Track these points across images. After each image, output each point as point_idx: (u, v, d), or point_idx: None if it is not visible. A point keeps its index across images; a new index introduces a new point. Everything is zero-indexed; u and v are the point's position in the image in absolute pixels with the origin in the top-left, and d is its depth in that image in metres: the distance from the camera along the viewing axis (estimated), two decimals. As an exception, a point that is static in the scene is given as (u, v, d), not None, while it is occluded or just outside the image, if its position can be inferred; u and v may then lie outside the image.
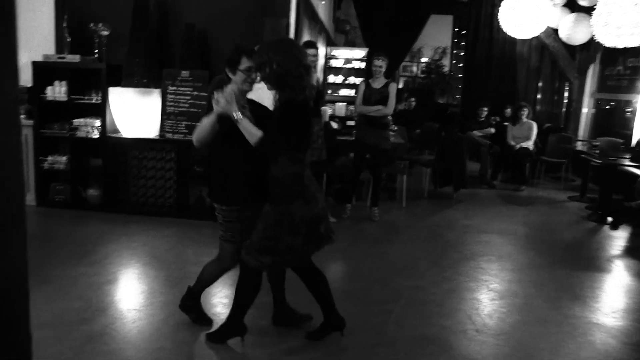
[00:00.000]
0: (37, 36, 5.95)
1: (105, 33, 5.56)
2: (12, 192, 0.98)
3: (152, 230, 5.26)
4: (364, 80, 6.15)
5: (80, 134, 5.68)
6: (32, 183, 5.88)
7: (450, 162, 7.55)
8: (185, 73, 5.49)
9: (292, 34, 5.70)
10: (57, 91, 5.66)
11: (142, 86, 5.56)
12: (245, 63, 2.91)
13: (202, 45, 5.76)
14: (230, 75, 2.97)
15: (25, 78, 5.60)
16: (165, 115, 5.58)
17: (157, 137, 5.64)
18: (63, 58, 5.56)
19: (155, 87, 5.59)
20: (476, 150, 9.49)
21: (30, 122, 5.72)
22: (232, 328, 3.15)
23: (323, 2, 9.52)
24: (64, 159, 5.81)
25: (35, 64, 5.62)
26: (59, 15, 5.76)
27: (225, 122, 2.79)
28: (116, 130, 5.72)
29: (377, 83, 5.90)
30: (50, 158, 5.81)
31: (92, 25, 5.52)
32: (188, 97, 5.52)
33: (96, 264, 4.38)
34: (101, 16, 5.64)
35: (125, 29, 5.51)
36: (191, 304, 3.38)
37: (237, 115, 2.74)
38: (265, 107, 3.07)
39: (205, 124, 2.87)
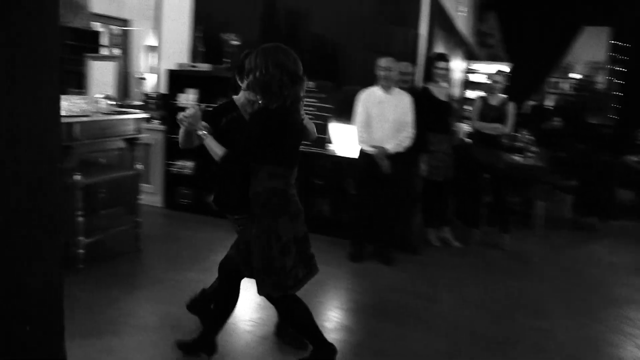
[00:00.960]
0: (175, 45, 6.19)
1: (236, 43, 5.63)
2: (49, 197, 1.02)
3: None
4: (480, 97, 5.68)
5: (207, 140, 5.79)
6: (161, 185, 6.11)
7: (598, 189, 6.75)
8: (311, 84, 5.38)
9: (423, 46, 5.38)
10: (188, 98, 5.82)
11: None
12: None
13: (331, 55, 5.63)
14: (239, 82, 2.92)
15: (162, 85, 5.85)
16: (287, 125, 5.52)
17: (279, 148, 5.58)
18: (195, 67, 5.71)
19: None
20: (630, 177, 8.44)
21: (163, 127, 5.95)
22: (202, 344, 3.00)
23: (463, 14, 9.05)
24: (190, 164, 5.96)
25: (169, 72, 5.84)
26: (194, 25, 5.93)
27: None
28: (240, 139, 5.76)
29: (495, 100, 5.42)
30: (178, 163, 6.00)
31: (223, 35, 5.62)
32: (312, 108, 5.40)
33: (207, 271, 4.37)
34: (232, 26, 5.73)
35: (254, 38, 5.54)
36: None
37: (202, 132, 2.72)
38: None
39: (181, 133, 2.87)
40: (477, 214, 5.81)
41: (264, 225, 2.66)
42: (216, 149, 2.69)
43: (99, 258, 4.39)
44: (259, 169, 2.67)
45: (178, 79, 5.85)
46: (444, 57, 5.23)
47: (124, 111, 4.91)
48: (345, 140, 5.28)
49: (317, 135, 3.04)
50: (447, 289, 4.36)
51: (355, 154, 4.94)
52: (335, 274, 4.55)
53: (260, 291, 2.76)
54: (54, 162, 1.05)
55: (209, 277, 4.25)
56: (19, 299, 1.06)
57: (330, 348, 2.89)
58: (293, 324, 2.98)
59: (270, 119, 2.59)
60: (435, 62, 5.22)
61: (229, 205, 3.01)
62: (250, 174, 2.71)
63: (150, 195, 6.21)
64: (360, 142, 4.71)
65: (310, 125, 2.87)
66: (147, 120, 6.17)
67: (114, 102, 4.88)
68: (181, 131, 2.86)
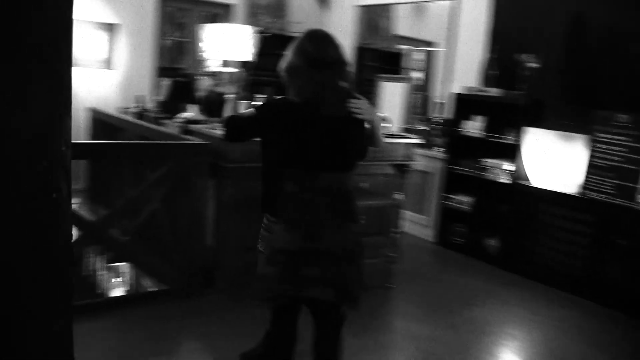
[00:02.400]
0: (467, 68, 5.63)
1: (533, 65, 4.79)
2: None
3: (545, 307, 4.24)
4: None
5: (489, 175, 5.08)
6: (435, 219, 5.60)
7: None
8: (622, 117, 4.23)
9: None
10: (473, 126, 5.20)
11: (565, 129, 4.56)
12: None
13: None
14: None
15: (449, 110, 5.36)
16: (590, 168, 4.45)
17: (576, 194, 4.54)
18: (484, 91, 5.05)
19: (581, 132, 4.51)
20: None
21: (444, 155, 5.45)
22: None
23: None
24: (468, 200, 5.32)
25: (457, 96, 5.31)
26: (489, 46, 5.26)
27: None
28: (527, 177, 4.89)
29: None
30: (455, 197, 5.41)
31: (519, 56, 4.84)
32: (623, 149, 4.25)
33: (451, 329, 3.71)
34: (531, 46, 4.90)
35: (555, 59, 4.62)
36: None
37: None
38: None
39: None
40: None
41: (266, 227, 2.42)
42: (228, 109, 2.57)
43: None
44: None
45: (465, 105, 5.27)
46: None
47: (396, 135, 4.57)
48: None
49: (383, 141, 2.54)
50: None
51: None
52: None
53: None
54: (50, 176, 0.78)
55: (450, 335, 3.61)
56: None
57: None
58: (264, 341, 2.74)
59: (270, 111, 2.40)
60: None
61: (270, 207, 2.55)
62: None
63: (423, 228, 5.76)
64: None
65: (377, 125, 2.45)
66: (429, 147, 5.76)
67: (389, 125, 4.56)
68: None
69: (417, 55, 7.23)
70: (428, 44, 7.09)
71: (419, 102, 7.22)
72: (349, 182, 2.41)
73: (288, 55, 2.35)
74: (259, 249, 2.48)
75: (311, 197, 2.29)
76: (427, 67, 7.27)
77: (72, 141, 0.93)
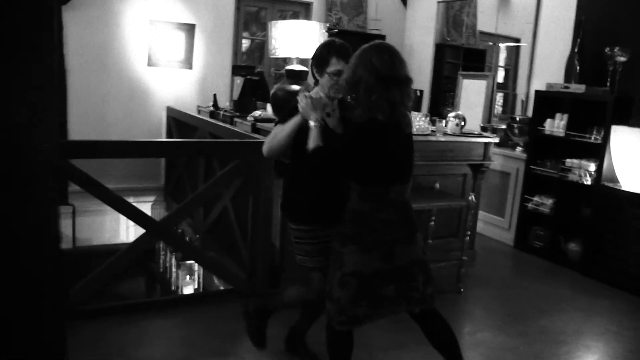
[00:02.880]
0: (553, 63, 5.36)
1: (622, 59, 4.49)
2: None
3: (628, 318, 3.97)
4: None
5: (572, 177, 4.81)
6: (514, 221, 5.39)
7: None
8: None
9: None
10: (556, 125, 4.94)
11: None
12: (334, 65, 2.52)
13: None
14: (316, 76, 2.61)
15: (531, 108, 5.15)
16: (682, 169, 4.12)
17: (666, 197, 4.22)
18: (567, 88, 4.80)
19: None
20: None
21: (525, 155, 5.23)
22: None
23: None
24: (549, 202, 5.07)
25: (537, 93, 5.08)
26: (575, 39, 4.97)
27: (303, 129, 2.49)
28: (614, 179, 4.59)
29: None
30: (535, 199, 5.17)
31: (607, 50, 4.54)
32: None
33: (522, 337, 3.56)
34: (621, 38, 4.58)
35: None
36: (255, 317, 2.98)
37: (314, 122, 2.43)
38: None
39: (287, 128, 2.53)
40: None
41: (336, 249, 2.44)
42: (313, 139, 2.41)
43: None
44: (353, 187, 2.42)
45: (547, 102, 5.03)
46: None
47: (472, 134, 4.43)
48: None
49: (311, 145, 2.48)
50: None
51: None
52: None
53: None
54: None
55: (520, 344, 3.46)
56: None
57: None
58: (330, 354, 2.61)
59: (368, 136, 2.33)
60: None
61: (292, 213, 2.72)
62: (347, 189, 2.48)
63: (502, 231, 5.56)
64: None
65: (311, 127, 2.47)
66: (510, 146, 5.54)
67: (463, 123, 4.43)
68: (290, 124, 2.56)
69: (501, 52, 6.97)
70: (513, 39, 6.81)
71: (502, 100, 6.98)
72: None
73: (355, 67, 2.34)
74: (313, 260, 2.62)
75: (387, 216, 2.38)
76: (512, 64, 6.99)
77: (152, 139, 0.98)
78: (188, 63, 6.42)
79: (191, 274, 4.22)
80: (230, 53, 6.69)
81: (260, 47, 7.65)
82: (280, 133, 2.56)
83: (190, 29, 6.36)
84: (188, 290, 4.15)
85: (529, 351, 3.40)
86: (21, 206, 0.78)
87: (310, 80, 3.34)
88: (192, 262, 4.31)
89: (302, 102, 2.48)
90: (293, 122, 2.53)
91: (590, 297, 4.29)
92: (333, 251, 2.47)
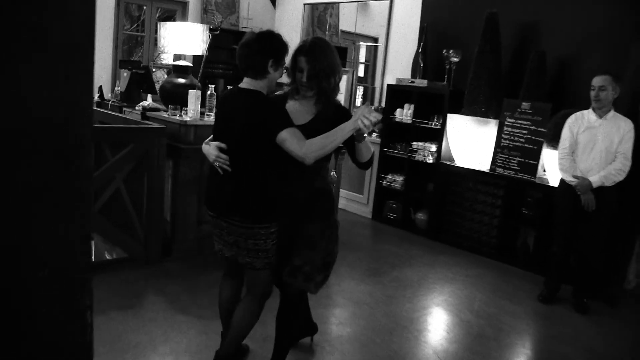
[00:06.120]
0: (402, 61, 6.29)
1: (456, 59, 5.47)
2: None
3: (464, 268, 4.92)
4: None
5: (418, 157, 5.74)
6: (371, 197, 6.25)
7: None
8: (525, 105, 4.94)
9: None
10: (405, 113, 5.85)
11: (481, 115, 5.25)
12: (287, 61, 2.62)
13: (555, 75, 5.08)
14: (270, 70, 2.55)
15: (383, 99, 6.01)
16: (498, 148, 5.15)
17: (488, 171, 5.25)
18: (413, 82, 5.71)
19: (494, 117, 5.21)
20: None
21: (379, 140, 6.10)
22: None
23: None
24: (400, 179, 5.98)
25: (389, 87, 5.96)
26: (420, 42, 5.92)
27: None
28: (451, 158, 5.57)
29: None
30: (389, 176, 6.06)
31: (444, 51, 5.51)
32: (525, 132, 4.95)
33: (378, 284, 4.35)
34: (455, 41, 5.58)
35: (474, 54, 5.29)
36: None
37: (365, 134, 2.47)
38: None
39: (338, 141, 2.42)
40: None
41: (332, 220, 2.73)
42: (368, 148, 2.59)
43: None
44: (322, 166, 2.71)
45: (397, 94, 5.92)
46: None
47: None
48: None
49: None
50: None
51: (556, 183, 4.41)
52: (514, 311, 4.09)
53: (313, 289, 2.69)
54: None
55: (377, 290, 4.24)
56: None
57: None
58: (292, 319, 2.86)
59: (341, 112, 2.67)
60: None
61: (258, 213, 2.71)
62: (311, 173, 2.60)
63: (361, 206, 6.40)
64: (561, 170, 4.14)
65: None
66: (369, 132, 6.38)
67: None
68: (341, 134, 2.40)
69: (362, 50, 7.85)
70: (372, 39, 7.70)
71: (362, 92, 7.85)
72: None
73: (334, 58, 2.55)
74: (269, 258, 2.62)
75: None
76: (371, 60, 7.88)
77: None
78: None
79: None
80: (111, 47, 6.89)
81: (138, 41, 7.84)
82: (329, 145, 2.40)
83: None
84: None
85: (383, 293, 4.19)
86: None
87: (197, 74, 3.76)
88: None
89: (372, 119, 2.32)
90: (343, 135, 2.41)
91: (435, 255, 5.21)
92: (329, 225, 2.67)
